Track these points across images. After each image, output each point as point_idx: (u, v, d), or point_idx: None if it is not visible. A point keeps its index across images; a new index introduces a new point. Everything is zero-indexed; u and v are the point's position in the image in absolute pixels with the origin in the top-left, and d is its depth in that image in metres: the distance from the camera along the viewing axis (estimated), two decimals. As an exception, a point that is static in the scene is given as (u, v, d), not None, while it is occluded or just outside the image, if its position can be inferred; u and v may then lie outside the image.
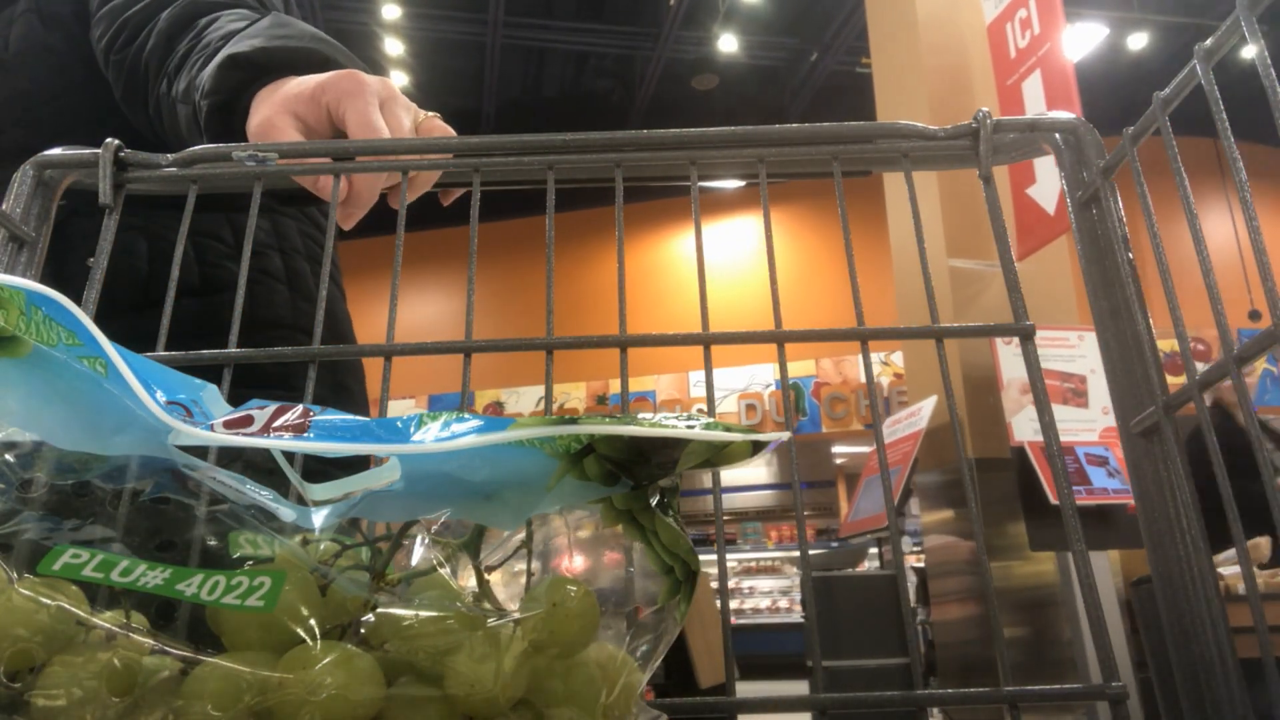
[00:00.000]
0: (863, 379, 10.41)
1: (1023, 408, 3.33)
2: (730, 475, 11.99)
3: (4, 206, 0.64)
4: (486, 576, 0.41)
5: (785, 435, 0.41)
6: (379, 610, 0.37)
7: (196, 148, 0.68)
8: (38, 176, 0.66)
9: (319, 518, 0.42)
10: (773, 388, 11.10)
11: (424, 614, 0.37)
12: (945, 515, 3.98)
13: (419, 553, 0.40)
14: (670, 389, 11.28)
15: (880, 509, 4.07)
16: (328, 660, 0.34)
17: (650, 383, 11.29)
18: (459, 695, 0.35)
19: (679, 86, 10.53)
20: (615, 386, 11.41)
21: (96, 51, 1.04)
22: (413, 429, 0.39)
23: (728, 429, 0.39)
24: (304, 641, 0.36)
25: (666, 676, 5.95)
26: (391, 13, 9.24)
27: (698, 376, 11.26)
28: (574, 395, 11.57)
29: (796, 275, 10.55)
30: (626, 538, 0.42)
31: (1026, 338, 0.61)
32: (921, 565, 4.62)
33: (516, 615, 0.38)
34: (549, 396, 0.60)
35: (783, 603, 10.64)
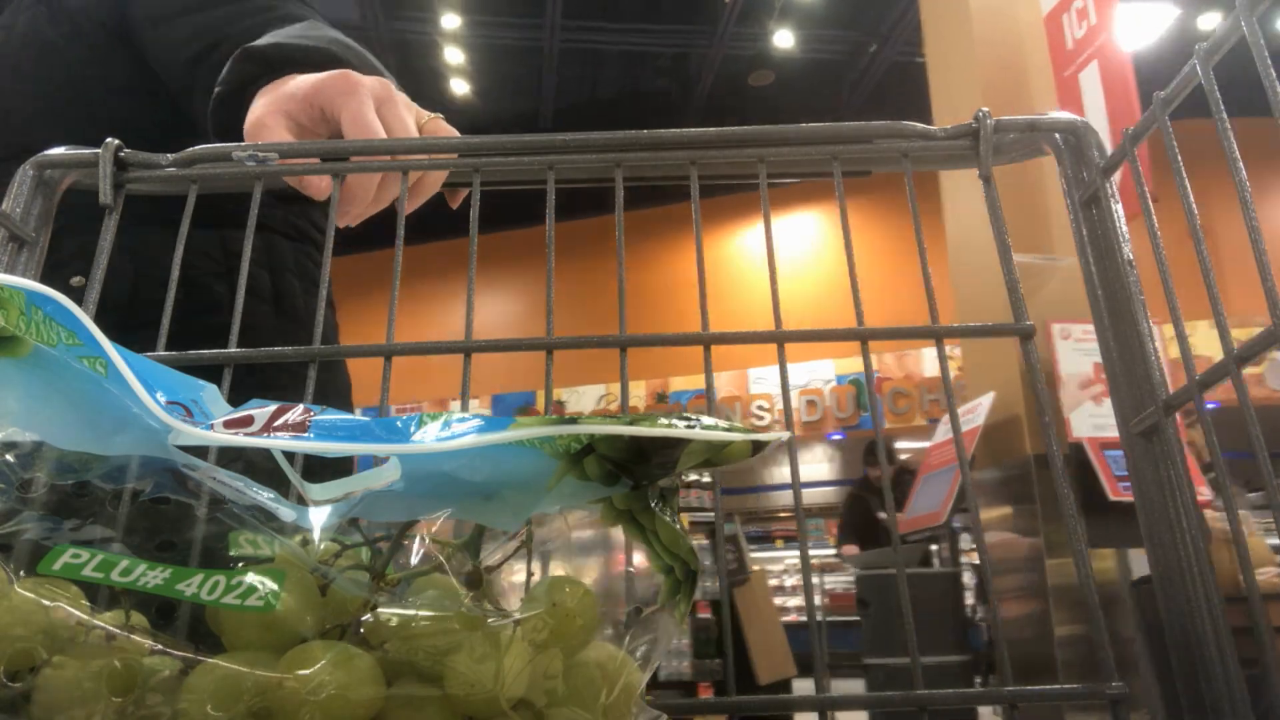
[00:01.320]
0: (927, 373, 10.37)
1: (1081, 403, 3.29)
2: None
3: (4, 206, 0.64)
4: (486, 576, 0.41)
5: (785, 435, 0.41)
6: (379, 610, 0.37)
7: (197, 148, 0.68)
8: (38, 176, 0.66)
9: (319, 518, 0.42)
10: (834, 383, 11.12)
11: (424, 614, 0.37)
12: (1004, 512, 3.88)
13: (419, 553, 0.40)
14: (730, 386, 11.26)
15: (936, 506, 4.01)
16: (328, 660, 0.34)
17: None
18: (459, 695, 0.35)
19: (736, 84, 10.52)
20: (675, 384, 11.54)
21: (169, 58, 1.03)
22: (413, 429, 0.39)
23: (727, 429, 0.39)
24: (304, 641, 0.36)
25: (724, 672, 5.89)
26: (451, 22, 9.35)
27: (757, 373, 11.30)
28: (634, 393, 11.55)
29: (867, 269, 10.23)
30: (627, 538, 0.42)
31: (1026, 338, 0.61)
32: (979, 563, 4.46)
33: (516, 615, 0.38)
34: (549, 395, 0.60)
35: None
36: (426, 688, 0.35)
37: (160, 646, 0.36)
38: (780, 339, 0.62)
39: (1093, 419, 3.15)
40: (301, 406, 0.41)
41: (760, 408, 11.29)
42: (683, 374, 11.59)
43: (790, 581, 10.93)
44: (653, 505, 0.41)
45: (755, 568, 6.19)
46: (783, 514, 11.95)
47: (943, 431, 4.52)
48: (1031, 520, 3.45)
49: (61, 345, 0.39)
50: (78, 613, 0.36)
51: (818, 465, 11.78)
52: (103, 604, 0.38)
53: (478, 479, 0.40)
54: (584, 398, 11.86)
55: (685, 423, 0.38)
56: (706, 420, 0.39)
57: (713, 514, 6.75)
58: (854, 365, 10.74)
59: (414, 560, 0.40)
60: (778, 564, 11.07)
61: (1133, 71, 3.79)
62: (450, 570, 0.39)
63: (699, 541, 6.46)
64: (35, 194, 0.66)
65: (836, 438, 11.38)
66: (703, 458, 0.39)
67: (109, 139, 0.66)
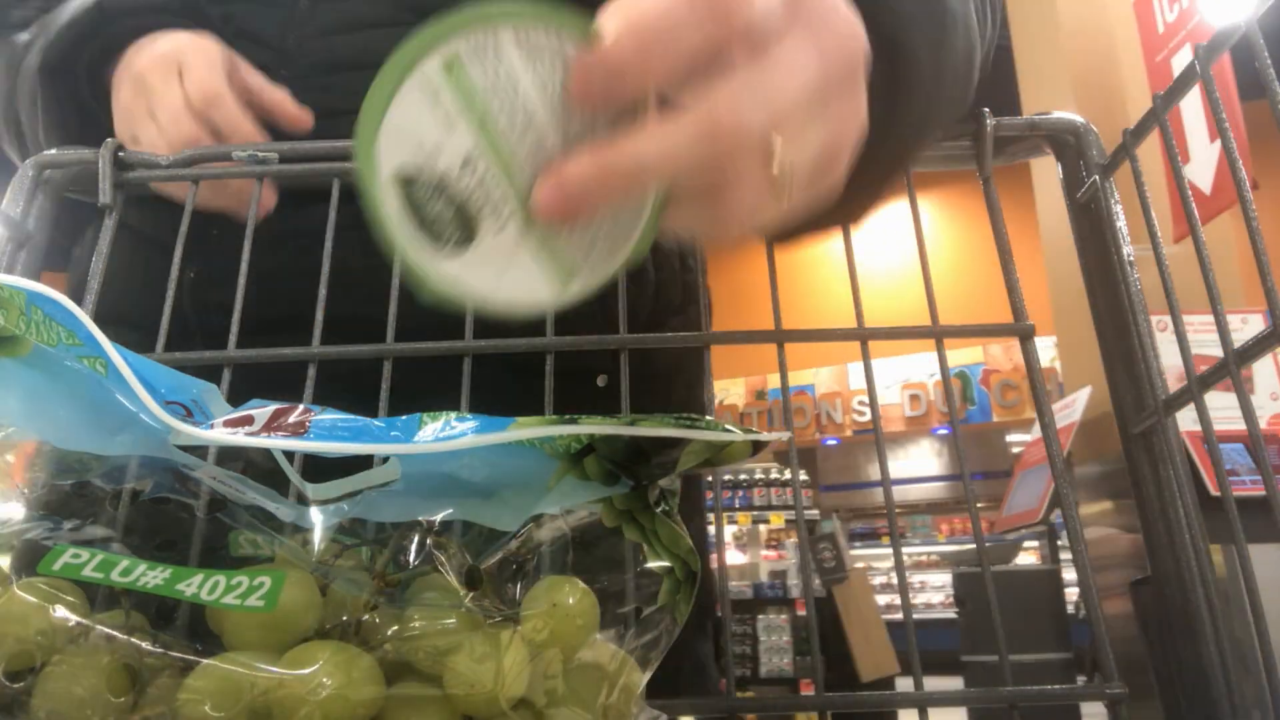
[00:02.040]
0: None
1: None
2: (897, 467, 11.96)
3: (3, 206, 0.64)
4: (486, 576, 0.41)
5: (786, 435, 0.41)
6: (379, 610, 0.37)
7: (198, 148, 0.68)
8: (37, 176, 0.66)
9: (319, 517, 0.42)
10: (937, 377, 10.99)
11: (424, 614, 0.37)
12: (1104, 507, 3.83)
13: (418, 552, 0.41)
14: (830, 382, 11.21)
15: (1034, 504, 3.97)
16: (327, 660, 0.34)
17: (809, 376, 11.15)
18: (459, 695, 0.35)
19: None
20: (774, 381, 11.36)
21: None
22: (413, 429, 0.39)
23: (727, 429, 0.39)
24: (304, 641, 0.36)
25: (828, 669, 5.98)
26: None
27: (856, 369, 11.10)
28: (733, 391, 11.52)
29: (951, 264, 10.08)
30: (627, 537, 0.42)
31: (1025, 338, 0.61)
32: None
33: (516, 614, 0.38)
34: (549, 396, 0.60)
35: (936, 598, 10.55)
36: (426, 688, 0.36)
37: (160, 646, 0.36)
38: (780, 339, 0.62)
39: (1191, 413, 3.03)
40: (301, 406, 0.41)
41: (861, 403, 11.22)
42: (778, 371, 11.27)
43: (917, 579, 10.81)
44: (653, 505, 0.41)
45: (860, 565, 6.21)
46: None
47: (1038, 428, 4.45)
48: (1134, 515, 3.46)
49: (61, 345, 0.39)
50: (77, 613, 0.36)
51: (924, 460, 11.61)
52: (103, 604, 0.38)
53: (477, 479, 0.40)
54: (731, 393, 11.69)
55: (685, 423, 0.39)
56: (706, 420, 0.39)
57: (812, 511, 6.79)
58: (961, 358, 10.45)
59: (414, 560, 0.40)
60: (885, 561, 10.89)
61: (1229, 55, 3.71)
62: (450, 569, 0.39)
63: (793, 540, 6.44)
64: (35, 193, 0.66)
65: (942, 432, 11.25)
66: (703, 457, 0.39)
67: (109, 139, 0.66)
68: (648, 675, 0.42)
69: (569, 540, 0.42)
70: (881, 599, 10.37)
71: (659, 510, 0.41)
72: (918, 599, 10.66)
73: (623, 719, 0.39)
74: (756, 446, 0.39)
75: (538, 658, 0.37)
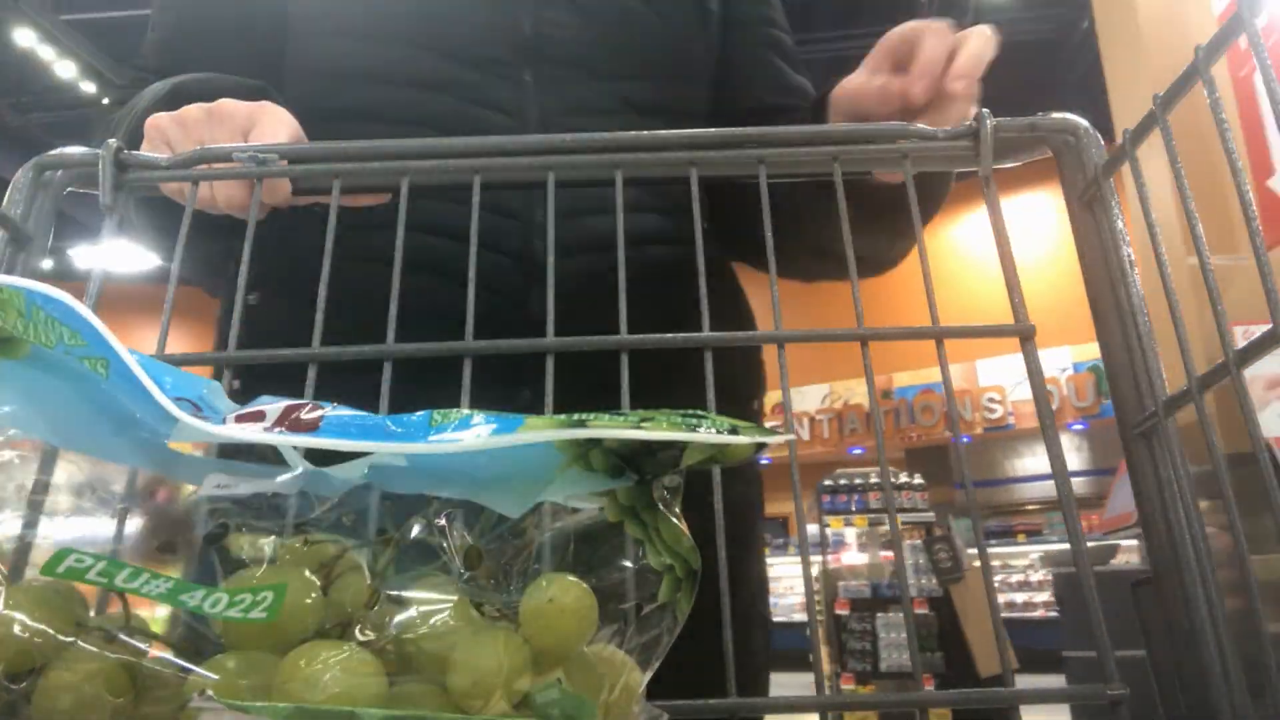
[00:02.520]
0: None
1: (1269, 403, 3.26)
2: (1037, 463, 12.06)
3: (3, 207, 0.64)
4: (485, 563, 0.41)
5: (789, 436, 0.41)
6: (379, 608, 0.37)
7: (198, 148, 0.68)
8: (37, 177, 0.66)
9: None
10: (1070, 371, 11.07)
11: (425, 612, 0.37)
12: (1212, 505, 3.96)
13: (418, 530, 0.41)
14: (959, 379, 11.26)
15: (1131, 507, 3.94)
16: (328, 659, 0.34)
17: (937, 374, 11.16)
18: (460, 692, 0.35)
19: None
20: (899, 380, 11.56)
21: None
22: (424, 428, 0.39)
23: (733, 430, 0.39)
24: (305, 641, 0.36)
25: (947, 667, 6.14)
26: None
27: (986, 364, 11.32)
28: (858, 391, 11.65)
29: (1050, 260, 10.10)
30: (629, 534, 0.42)
31: (1026, 339, 0.61)
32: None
33: (517, 613, 0.38)
34: (549, 397, 0.60)
35: (1041, 596, 10.62)
36: (427, 686, 0.35)
37: (160, 647, 0.36)
38: (780, 339, 0.62)
39: None
40: (311, 403, 0.41)
41: (991, 400, 11.30)
42: (905, 369, 11.50)
43: (1035, 577, 10.88)
44: (656, 502, 0.41)
45: (996, 562, 6.39)
46: (1029, 506, 11.85)
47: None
48: (1223, 514, 3.62)
49: (61, 345, 0.39)
50: (78, 615, 0.36)
51: (1067, 454, 11.64)
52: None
53: (484, 475, 0.41)
54: (808, 397, 11.88)
55: (691, 422, 0.39)
56: (712, 419, 0.39)
57: (927, 514, 6.93)
58: (1091, 351, 10.23)
59: (418, 533, 0.40)
60: (1022, 558, 11.00)
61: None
62: (449, 547, 0.40)
63: (910, 541, 6.68)
64: (35, 194, 0.66)
65: (1078, 427, 11.22)
66: (707, 454, 0.40)
67: (109, 139, 0.66)
68: (648, 675, 0.42)
69: (570, 535, 0.42)
70: (1018, 596, 10.37)
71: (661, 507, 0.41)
72: (1037, 598, 10.73)
73: (624, 718, 0.39)
74: (760, 445, 0.40)
75: (538, 656, 0.37)
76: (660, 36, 1.03)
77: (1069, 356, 10.99)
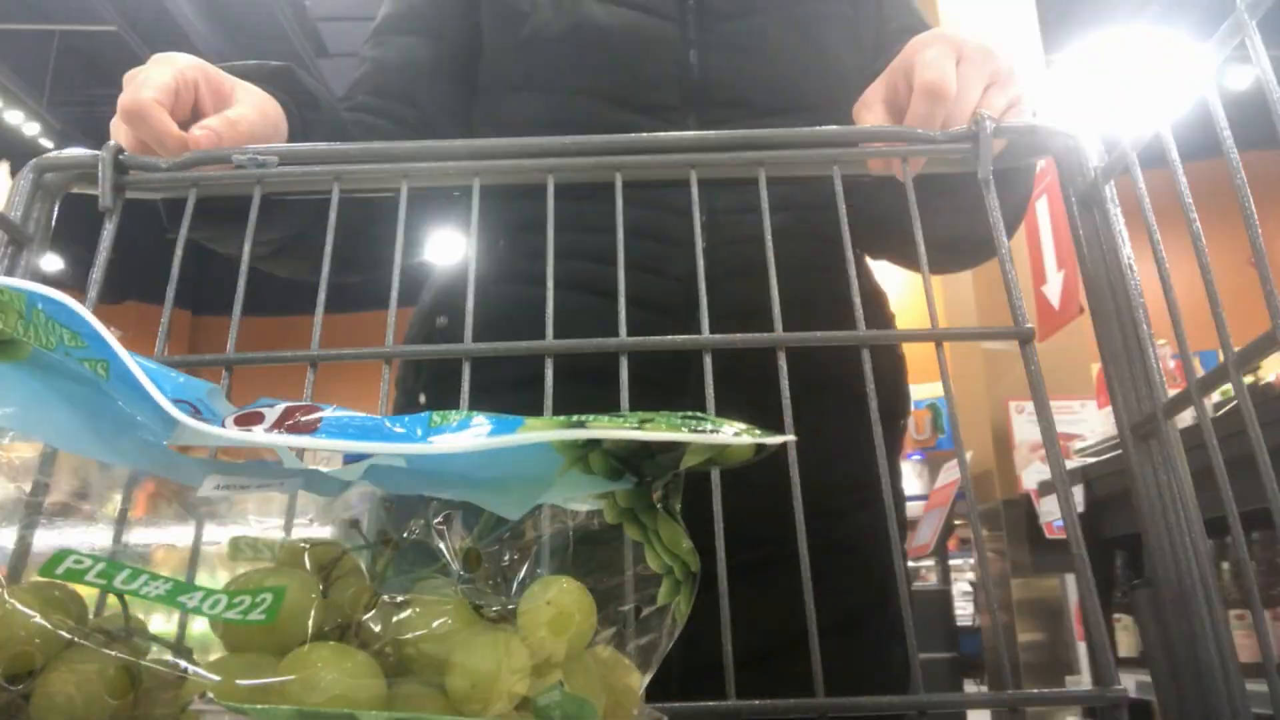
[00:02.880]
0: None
1: (1031, 463, 4.17)
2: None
3: (2, 209, 0.64)
4: (484, 565, 0.41)
5: (790, 438, 0.41)
6: (379, 611, 0.37)
7: (196, 151, 0.68)
8: (37, 179, 0.66)
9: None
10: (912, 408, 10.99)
11: (423, 615, 0.37)
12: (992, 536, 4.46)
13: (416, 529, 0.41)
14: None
15: (927, 539, 4.85)
16: (327, 661, 0.34)
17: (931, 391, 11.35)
18: (459, 694, 0.35)
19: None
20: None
21: None
22: (424, 428, 0.39)
23: (731, 431, 0.39)
24: (304, 643, 0.36)
25: None
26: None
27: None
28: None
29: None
30: (628, 536, 0.42)
31: (1025, 341, 0.61)
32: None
33: (514, 612, 0.38)
34: (548, 400, 0.60)
35: None
36: (427, 688, 0.35)
37: (160, 649, 0.36)
38: (779, 344, 0.62)
39: (1038, 475, 4.03)
40: (309, 404, 0.41)
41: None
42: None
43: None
44: (656, 504, 0.41)
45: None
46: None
47: (943, 477, 5.33)
48: (1000, 545, 4.19)
49: (61, 347, 0.39)
50: (77, 616, 0.36)
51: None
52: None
53: (484, 476, 0.40)
54: None
55: (692, 424, 0.39)
56: (713, 421, 0.39)
57: None
58: (933, 390, 10.60)
59: (418, 533, 0.40)
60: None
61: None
62: (448, 548, 0.40)
63: None
64: (35, 197, 0.66)
65: (916, 458, 11.33)
66: (706, 456, 0.40)
67: (110, 142, 0.66)
68: (648, 676, 0.42)
69: (570, 537, 0.42)
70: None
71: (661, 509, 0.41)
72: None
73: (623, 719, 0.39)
74: (759, 448, 0.39)
75: (537, 657, 0.37)
76: (814, 65, 1.04)
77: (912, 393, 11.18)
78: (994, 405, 4.33)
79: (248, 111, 0.77)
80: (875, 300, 1.04)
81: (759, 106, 1.00)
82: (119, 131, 0.74)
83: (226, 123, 0.74)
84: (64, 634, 0.35)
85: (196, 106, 0.76)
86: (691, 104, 0.99)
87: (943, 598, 5.56)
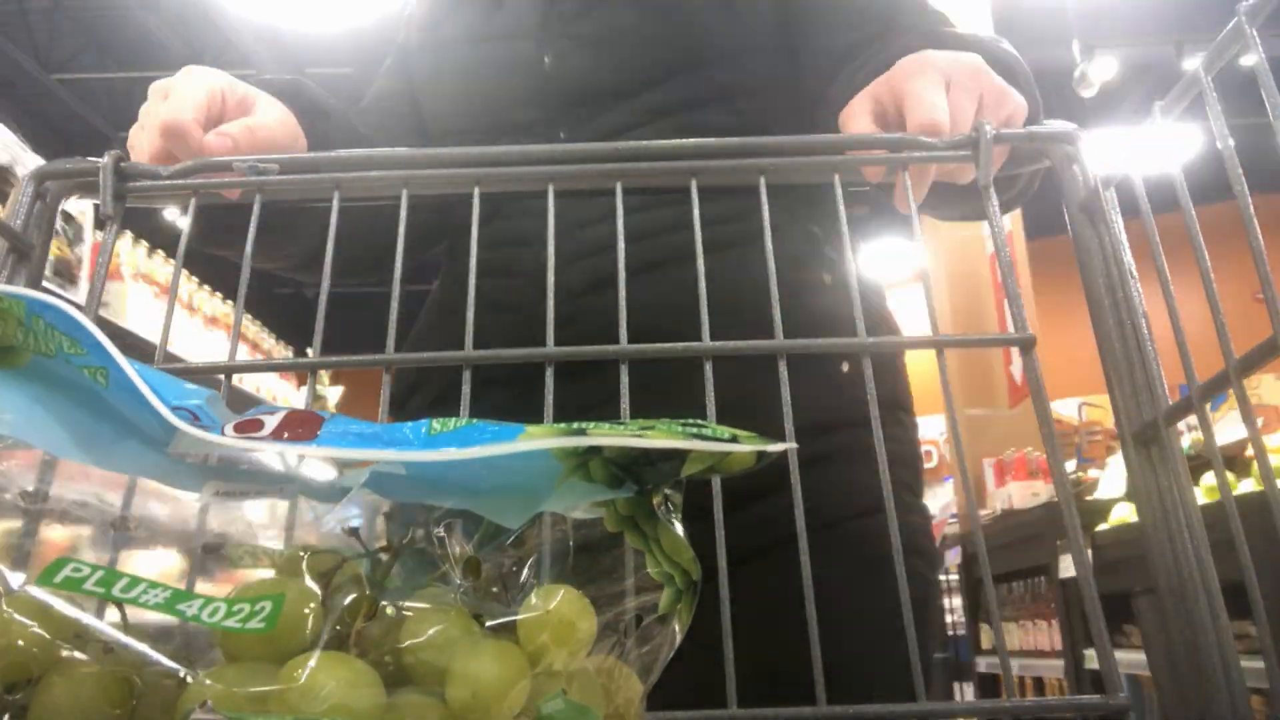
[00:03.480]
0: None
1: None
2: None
3: (3, 217, 0.64)
4: (484, 574, 0.41)
5: (791, 445, 0.41)
6: (378, 619, 0.37)
7: (197, 159, 0.68)
8: (37, 187, 0.66)
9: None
10: None
11: (423, 624, 0.37)
12: None
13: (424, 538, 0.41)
14: None
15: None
16: (327, 670, 0.34)
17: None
18: (459, 703, 0.35)
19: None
20: None
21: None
22: (422, 434, 0.39)
23: (733, 439, 0.39)
24: (303, 652, 0.35)
25: None
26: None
27: None
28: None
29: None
30: (629, 544, 0.41)
31: (1026, 349, 0.60)
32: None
33: (515, 620, 0.38)
34: (549, 407, 0.60)
35: None
36: (426, 697, 0.35)
37: (158, 657, 0.35)
38: (781, 350, 0.62)
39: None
40: (306, 411, 0.41)
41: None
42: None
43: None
44: (656, 512, 0.41)
45: None
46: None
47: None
48: None
49: (61, 354, 0.39)
50: (76, 624, 0.36)
51: None
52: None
53: (484, 486, 0.40)
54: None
55: (693, 431, 0.38)
56: (713, 428, 0.39)
57: None
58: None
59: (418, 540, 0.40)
60: None
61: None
62: (448, 556, 0.39)
63: None
64: (35, 205, 0.66)
65: None
66: (707, 464, 0.39)
67: (111, 150, 0.66)
68: (648, 686, 0.42)
69: (570, 546, 0.42)
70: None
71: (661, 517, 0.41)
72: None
73: (624, 730, 0.39)
74: (761, 455, 0.39)
75: (537, 666, 0.37)
76: (667, 35, 1.04)
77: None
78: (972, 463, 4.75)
79: (269, 121, 0.80)
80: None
81: (614, 91, 1.01)
82: (140, 139, 0.76)
83: (246, 130, 0.77)
84: (62, 643, 0.34)
85: (222, 119, 0.79)
86: (558, 112, 1.01)
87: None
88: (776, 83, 1.04)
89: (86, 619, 0.36)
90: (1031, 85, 0.81)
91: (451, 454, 0.38)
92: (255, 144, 0.76)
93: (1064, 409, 5.52)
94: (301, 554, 0.41)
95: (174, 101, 0.76)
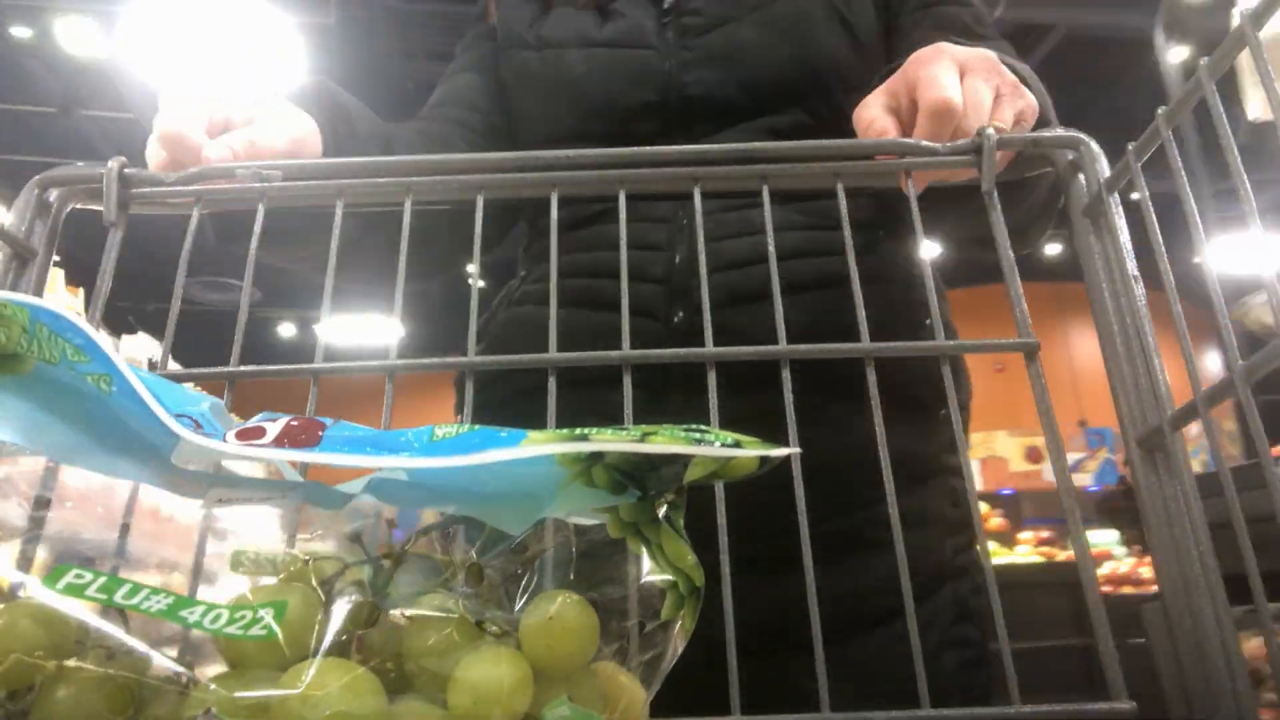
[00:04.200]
0: None
1: None
2: None
3: (6, 224, 0.64)
4: (487, 580, 0.41)
5: (795, 450, 0.41)
6: (380, 626, 0.37)
7: (201, 166, 0.68)
8: (41, 194, 0.66)
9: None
10: None
11: (425, 630, 0.37)
12: None
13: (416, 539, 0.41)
14: None
15: None
16: (328, 677, 0.34)
17: None
18: (461, 710, 0.35)
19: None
20: None
21: None
22: (425, 441, 0.39)
23: (737, 444, 0.39)
24: (305, 658, 0.35)
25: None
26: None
27: None
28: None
29: None
30: (632, 550, 0.41)
31: (1030, 355, 0.60)
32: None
33: (518, 630, 0.38)
34: (552, 414, 0.60)
35: None
36: (428, 704, 0.35)
37: (160, 664, 0.35)
38: (785, 355, 0.62)
39: None
40: (309, 418, 0.41)
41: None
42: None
43: None
44: (659, 518, 0.41)
45: None
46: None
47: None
48: None
49: (65, 361, 0.39)
50: (78, 630, 0.36)
51: None
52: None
53: (487, 490, 0.40)
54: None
55: (695, 437, 0.38)
56: (716, 434, 0.39)
57: None
58: None
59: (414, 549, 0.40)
60: None
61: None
62: (450, 563, 0.39)
63: None
64: (38, 212, 0.66)
65: None
66: (710, 470, 0.39)
67: (116, 156, 0.66)
68: (652, 693, 0.41)
69: (573, 552, 0.42)
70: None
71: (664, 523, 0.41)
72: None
73: (628, 737, 0.39)
74: (763, 461, 0.39)
75: (540, 673, 0.37)
76: (797, 60, 1.04)
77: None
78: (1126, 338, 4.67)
79: (271, 134, 0.80)
80: (914, 310, 1.00)
81: (743, 111, 1.01)
82: (150, 149, 0.77)
83: (247, 142, 0.77)
84: (64, 650, 0.34)
85: (226, 130, 0.79)
86: (677, 125, 1.01)
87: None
88: None
89: (90, 623, 0.36)
90: (1044, 94, 0.81)
91: (455, 460, 0.38)
92: (256, 155, 0.76)
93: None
94: (304, 560, 0.41)
95: (177, 112, 0.76)
